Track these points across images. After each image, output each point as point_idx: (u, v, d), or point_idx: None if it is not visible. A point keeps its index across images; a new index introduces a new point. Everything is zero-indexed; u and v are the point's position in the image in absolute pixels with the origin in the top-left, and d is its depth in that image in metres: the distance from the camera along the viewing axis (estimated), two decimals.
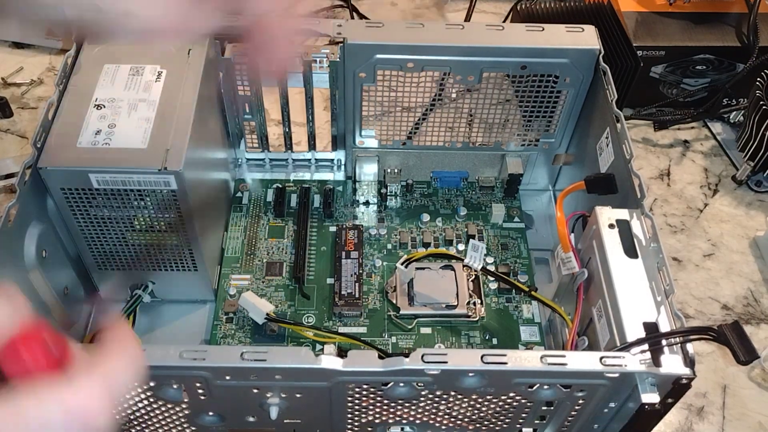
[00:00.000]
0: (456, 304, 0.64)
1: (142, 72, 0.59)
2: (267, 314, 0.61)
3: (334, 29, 0.62)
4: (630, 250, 0.50)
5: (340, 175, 0.76)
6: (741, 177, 0.79)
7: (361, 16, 0.93)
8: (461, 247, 0.69)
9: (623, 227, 0.51)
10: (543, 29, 0.63)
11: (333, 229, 0.71)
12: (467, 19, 0.93)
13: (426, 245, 0.69)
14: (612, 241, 0.51)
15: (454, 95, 0.67)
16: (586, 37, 0.62)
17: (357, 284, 0.65)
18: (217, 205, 0.69)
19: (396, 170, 0.73)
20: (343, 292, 0.65)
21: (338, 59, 0.64)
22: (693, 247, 0.74)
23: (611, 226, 0.51)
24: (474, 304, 0.65)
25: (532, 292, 0.60)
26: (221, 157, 0.70)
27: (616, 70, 0.79)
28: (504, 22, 0.91)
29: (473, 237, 0.70)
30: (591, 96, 0.65)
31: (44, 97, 0.86)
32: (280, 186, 0.73)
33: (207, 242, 0.63)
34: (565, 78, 0.64)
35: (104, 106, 0.56)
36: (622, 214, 0.52)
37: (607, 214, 0.52)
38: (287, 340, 0.63)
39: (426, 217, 0.71)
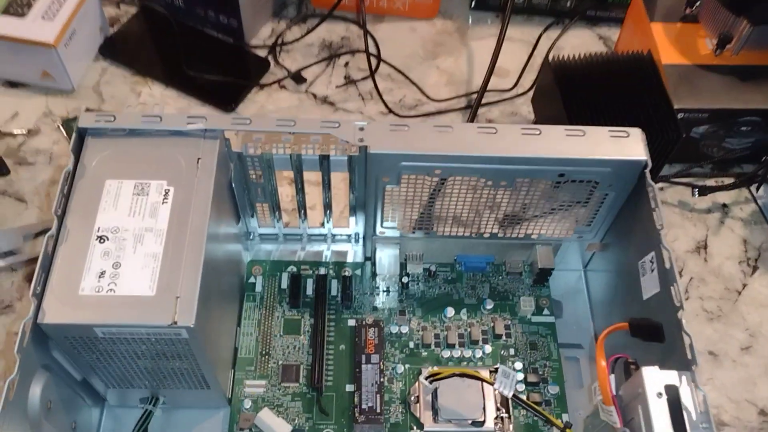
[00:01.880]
0: (483, 420, 0.61)
1: (147, 191, 0.54)
2: None
3: (355, 134, 0.57)
4: (679, 425, 0.47)
5: (358, 250, 0.72)
6: None
7: (378, 60, 0.86)
8: (488, 348, 0.66)
9: (672, 397, 0.47)
10: (584, 134, 0.57)
11: (352, 323, 0.67)
12: (496, 51, 0.83)
13: (450, 346, 0.66)
14: (660, 412, 0.47)
15: (483, 198, 0.61)
16: (632, 145, 0.57)
17: (378, 396, 0.62)
18: (230, 303, 0.65)
19: (418, 255, 0.69)
20: (363, 406, 0.61)
21: (357, 153, 0.59)
22: (730, 338, 0.70)
23: (659, 394, 0.48)
24: (501, 418, 0.61)
25: (567, 430, 0.56)
26: (233, 247, 0.65)
27: (655, 139, 0.73)
28: (535, 83, 0.83)
29: (500, 337, 0.66)
30: (636, 198, 0.59)
31: (42, 150, 0.80)
32: (295, 272, 0.69)
33: (219, 354, 0.60)
34: (607, 184, 0.59)
35: (107, 238, 0.52)
36: (671, 377, 0.48)
37: (654, 379, 0.48)
38: None
39: (450, 312, 0.68)
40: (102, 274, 0.50)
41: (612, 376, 0.53)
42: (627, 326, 0.52)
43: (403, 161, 0.57)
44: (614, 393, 0.52)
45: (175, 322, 0.48)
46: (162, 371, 0.56)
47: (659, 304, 0.54)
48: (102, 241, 0.51)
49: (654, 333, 0.51)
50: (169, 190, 0.54)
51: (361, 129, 0.57)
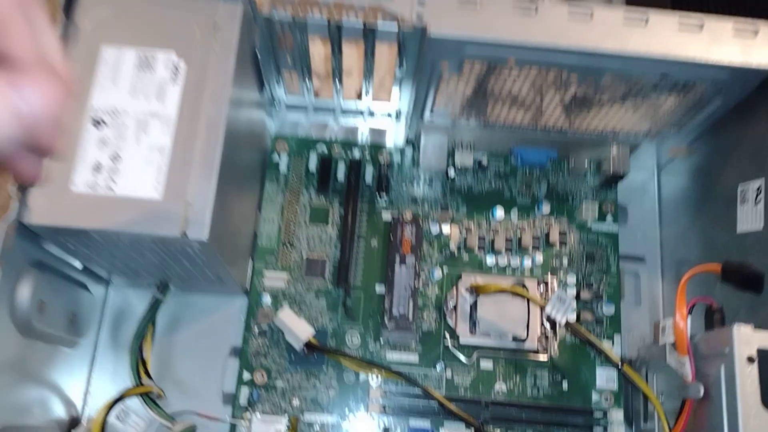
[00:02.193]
0: (525, 337, 0.55)
1: (153, 64, 0.44)
2: (307, 341, 0.53)
3: (413, 9, 0.45)
4: None
5: (399, 129, 0.62)
6: None
7: None
8: (539, 257, 0.58)
9: (764, 363, 0.40)
10: (701, 27, 0.45)
11: (387, 217, 0.59)
12: None
13: (497, 252, 0.58)
14: (748, 380, 0.40)
15: (562, 91, 0.51)
16: (760, 45, 0.45)
17: (411, 301, 0.56)
18: (250, 183, 0.57)
19: (469, 143, 0.60)
20: (394, 312, 0.55)
21: (410, 30, 0.48)
22: None
23: (750, 359, 0.40)
24: (546, 336, 0.56)
25: (624, 367, 0.50)
26: (255, 117, 0.56)
27: None
28: None
29: (553, 245, 0.58)
30: (750, 109, 0.49)
31: None
32: (325, 154, 0.60)
33: (237, 246, 0.53)
34: (718, 89, 0.48)
35: (104, 123, 0.42)
36: (765, 340, 0.41)
37: (746, 340, 0.41)
38: (327, 364, 0.55)
39: (499, 212, 0.59)
40: (98, 167, 0.42)
41: (689, 318, 0.46)
42: (719, 269, 0.44)
43: (468, 48, 0.46)
44: (689, 341, 0.45)
45: (185, 234, 0.41)
46: (171, 268, 0.49)
47: (758, 243, 0.45)
48: (98, 125, 0.42)
49: (752, 282, 0.43)
50: (179, 65, 0.44)
51: (421, 3, 0.45)
